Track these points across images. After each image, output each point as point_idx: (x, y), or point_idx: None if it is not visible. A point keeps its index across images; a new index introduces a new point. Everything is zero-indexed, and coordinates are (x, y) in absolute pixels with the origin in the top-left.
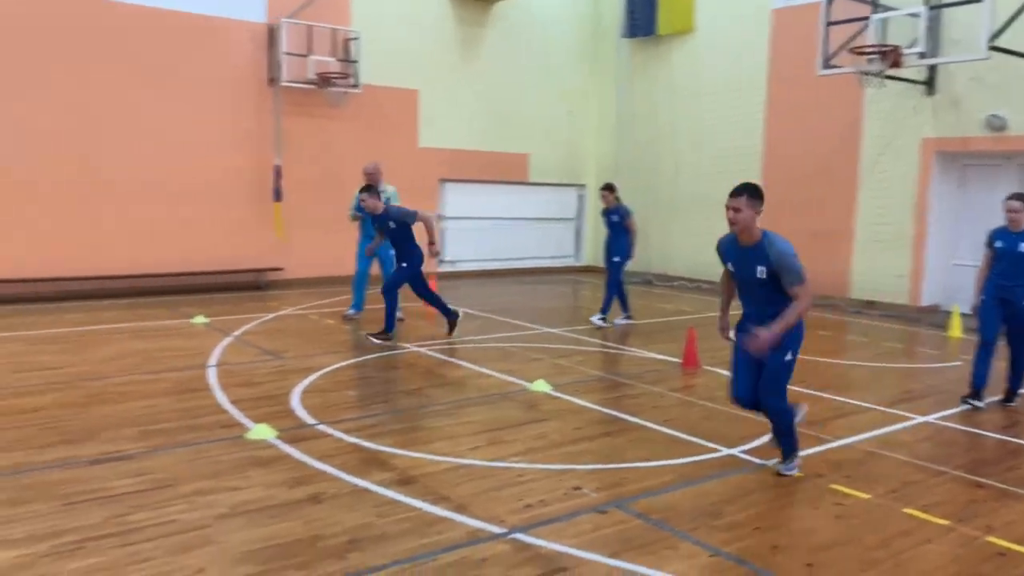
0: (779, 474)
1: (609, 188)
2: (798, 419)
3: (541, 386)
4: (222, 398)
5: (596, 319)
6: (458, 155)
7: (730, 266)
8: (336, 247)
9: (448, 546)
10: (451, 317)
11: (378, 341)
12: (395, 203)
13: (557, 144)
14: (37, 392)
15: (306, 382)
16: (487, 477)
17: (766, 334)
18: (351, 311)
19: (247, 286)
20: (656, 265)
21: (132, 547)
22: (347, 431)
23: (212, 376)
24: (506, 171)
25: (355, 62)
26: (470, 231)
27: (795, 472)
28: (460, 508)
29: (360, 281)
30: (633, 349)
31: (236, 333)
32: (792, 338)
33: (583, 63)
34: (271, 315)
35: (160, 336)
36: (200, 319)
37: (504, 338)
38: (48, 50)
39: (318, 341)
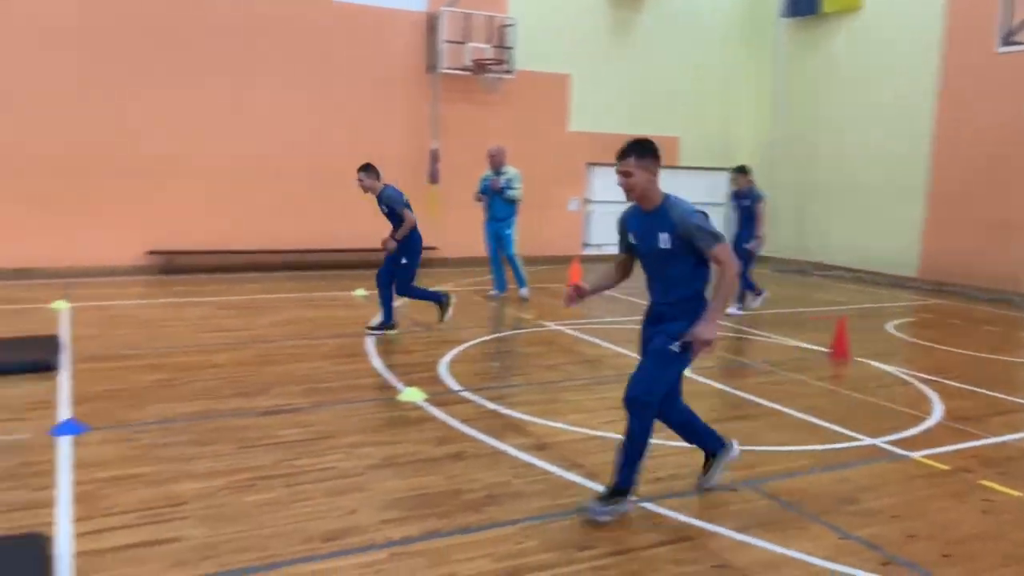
0: (584, 509)
1: (742, 171)
2: (732, 455)
3: None
4: (378, 363)
5: (733, 310)
6: (607, 139)
7: (632, 238)
8: None
9: (578, 507)
10: (387, 321)
11: (445, 317)
12: (516, 186)
13: (709, 128)
14: (219, 350)
15: (453, 352)
16: None
17: (702, 327)
18: (494, 291)
19: None
20: (813, 253)
21: (297, 487)
22: (489, 398)
23: (370, 343)
24: None
25: (510, 48)
26: (617, 215)
27: (606, 518)
28: (591, 475)
29: (493, 262)
30: (779, 337)
31: (393, 306)
32: (683, 327)
33: (739, 45)
34: None
35: (325, 306)
36: (361, 292)
37: None
38: (220, 42)
39: (466, 316)
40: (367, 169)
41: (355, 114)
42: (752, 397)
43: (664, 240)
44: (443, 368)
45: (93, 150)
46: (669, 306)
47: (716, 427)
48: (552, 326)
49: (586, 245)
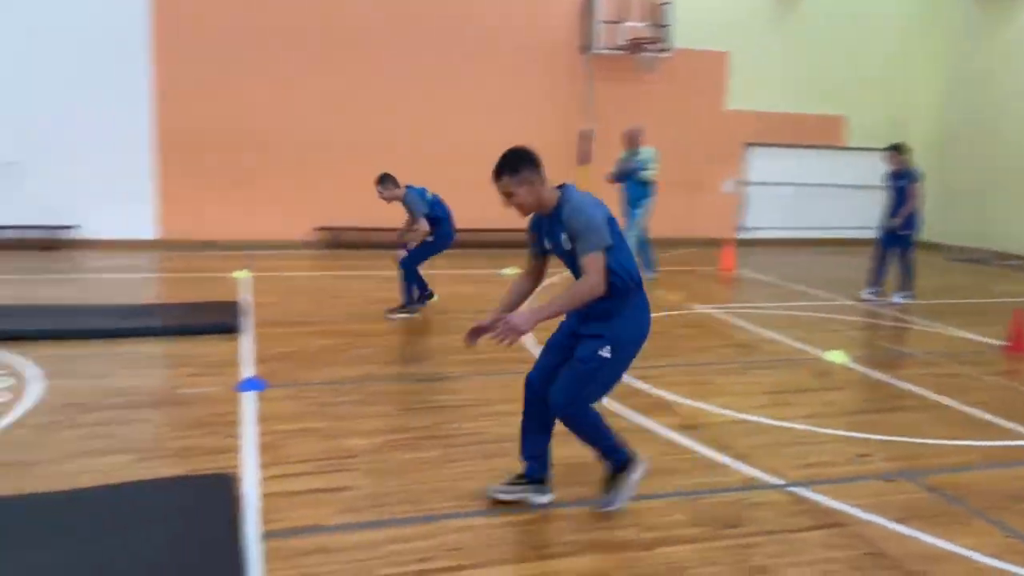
0: (597, 506)
1: (898, 149)
2: (637, 475)
3: (837, 356)
4: (526, 338)
5: (898, 297)
6: (766, 118)
7: (547, 243)
8: None
9: (725, 487)
10: (408, 304)
11: (401, 315)
12: (652, 165)
13: (878, 106)
14: (381, 320)
15: None
16: (770, 433)
17: (518, 316)
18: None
19: None
20: (994, 241)
21: (450, 448)
22: (638, 377)
23: None
24: (818, 135)
25: (666, 26)
26: (775, 198)
27: (624, 501)
28: (740, 457)
29: (637, 245)
30: (948, 328)
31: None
32: (614, 327)
33: (912, 19)
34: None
35: (478, 282)
36: (509, 271)
37: (803, 307)
38: (383, 28)
39: None
40: (384, 181)
41: (508, 95)
42: (915, 388)
43: (565, 240)
44: None
45: (268, 133)
46: (591, 306)
47: (876, 416)
48: (701, 309)
49: (740, 228)
